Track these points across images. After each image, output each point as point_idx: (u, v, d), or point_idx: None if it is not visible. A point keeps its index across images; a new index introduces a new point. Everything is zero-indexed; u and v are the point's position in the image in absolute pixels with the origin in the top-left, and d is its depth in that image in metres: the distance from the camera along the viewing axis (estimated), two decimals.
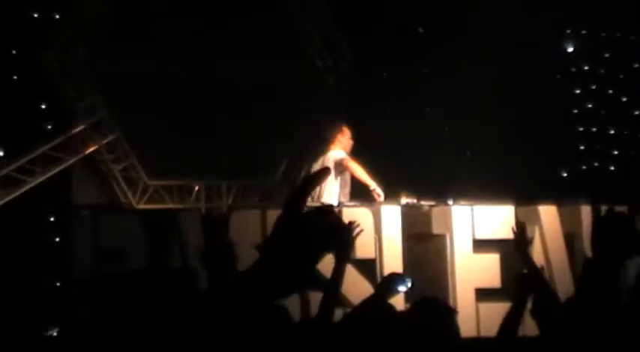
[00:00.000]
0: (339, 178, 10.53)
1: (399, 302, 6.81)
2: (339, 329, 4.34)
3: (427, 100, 13.57)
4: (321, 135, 11.21)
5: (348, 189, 10.63)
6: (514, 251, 9.09)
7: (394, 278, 5.22)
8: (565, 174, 13.46)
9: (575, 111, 13.78)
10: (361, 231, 5.56)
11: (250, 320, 2.48)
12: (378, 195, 10.08)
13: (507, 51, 12.92)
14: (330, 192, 10.50)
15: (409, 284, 5.17)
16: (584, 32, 13.76)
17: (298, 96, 13.59)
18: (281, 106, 13.36)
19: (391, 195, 10.05)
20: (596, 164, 13.56)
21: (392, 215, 9.21)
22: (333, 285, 5.00)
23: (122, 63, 12.79)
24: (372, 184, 10.15)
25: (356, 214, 9.30)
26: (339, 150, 10.56)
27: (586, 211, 9.03)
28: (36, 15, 12.63)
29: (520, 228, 6.51)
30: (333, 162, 10.40)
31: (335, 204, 10.19)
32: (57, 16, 12.77)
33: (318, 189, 10.51)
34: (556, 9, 12.76)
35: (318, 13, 13.73)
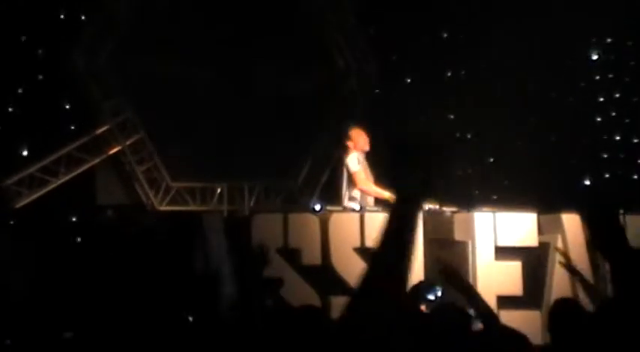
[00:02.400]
0: (358, 191, 10.48)
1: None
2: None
3: (450, 106, 13.55)
4: (340, 139, 11.19)
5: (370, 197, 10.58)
6: (537, 259, 9.17)
7: (424, 287, 5.19)
8: (588, 182, 13.42)
9: (599, 119, 13.73)
10: None
11: None
12: None
13: (531, 58, 12.91)
14: (351, 196, 10.46)
15: (439, 293, 5.14)
16: (609, 40, 13.71)
17: (320, 99, 13.62)
18: (303, 109, 13.39)
19: None
20: (619, 172, 13.51)
21: None
22: None
23: (147, 65, 12.86)
24: (386, 194, 10.08)
25: (378, 219, 9.31)
26: (354, 155, 10.49)
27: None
28: (63, 16, 12.73)
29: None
30: (347, 170, 10.37)
31: (357, 208, 10.17)
32: (83, 17, 12.87)
33: (342, 194, 10.50)
34: (581, 18, 12.71)
35: (341, 15, 13.73)
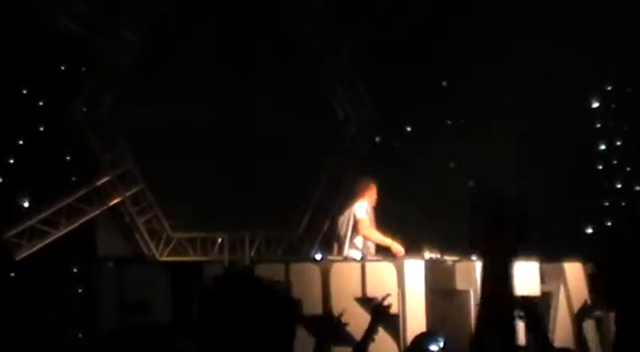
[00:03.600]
0: (362, 238, 10.51)
1: None
2: None
3: (451, 153, 13.60)
4: (351, 190, 11.26)
5: (373, 245, 10.61)
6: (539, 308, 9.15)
7: (425, 338, 5.19)
8: (591, 231, 13.43)
9: (600, 166, 13.79)
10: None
11: None
12: (399, 252, 10.06)
13: (532, 106, 12.98)
14: (353, 243, 10.49)
15: (441, 344, 5.14)
16: (609, 88, 13.81)
17: (320, 148, 13.68)
18: (303, 158, 13.45)
19: (415, 250, 10.05)
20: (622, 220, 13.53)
21: (415, 270, 9.22)
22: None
23: (147, 115, 12.95)
24: (389, 242, 10.12)
25: (379, 269, 9.33)
26: (362, 204, 10.58)
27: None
28: (63, 67, 12.84)
29: None
30: (354, 218, 10.42)
31: (358, 258, 10.20)
32: (84, 68, 12.97)
33: (343, 242, 10.53)
34: (582, 65, 12.81)
35: (341, 62, 13.82)
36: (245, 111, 13.51)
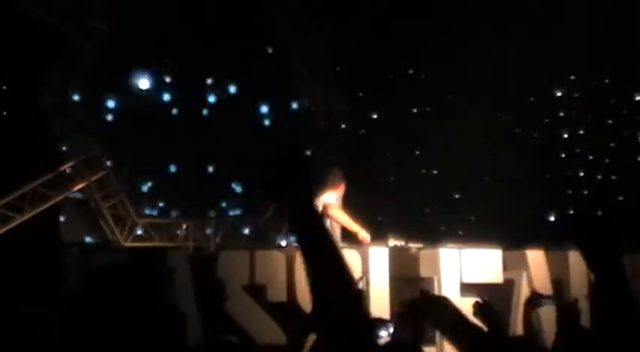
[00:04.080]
0: (328, 220, 10.56)
1: None
2: None
3: (417, 141, 13.66)
4: (320, 180, 11.26)
5: (338, 231, 10.65)
6: (502, 295, 9.24)
7: (376, 323, 5.23)
8: (553, 219, 13.56)
9: (564, 155, 13.91)
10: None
11: None
12: (364, 239, 10.08)
13: (498, 95, 13.07)
14: None
15: (391, 330, 5.19)
16: (572, 77, 13.92)
17: (287, 134, 13.67)
18: (271, 145, 13.45)
19: (380, 237, 10.09)
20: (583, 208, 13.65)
21: (380, 257, 9.24)
22: None
23: (113, 101, 12.92)
24: (356, 228, 10.14)
25: (344, 256, 9.38)
26: (331, 193, 10.59)
27: (574, 257, 9.09)
28: (29, 53, 12.74)
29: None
30: (322, 206, 10.45)
31: None
32: (50, 55, 12.89)
33: None
34: (547, 56, 12.90)
35: (309, 52, 13.83)
36: (215, 99, 13.50)
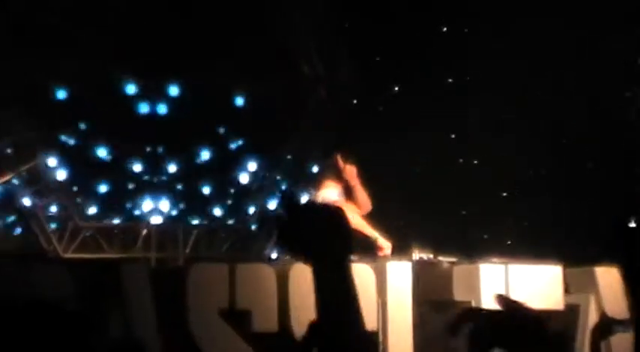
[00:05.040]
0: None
1: None
2: None
3: (452, 122, 13.68)
4: (320, 169, 11.31)
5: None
6: (562, 326, 9.23)
7: None
8: (633, 226, 13.55)
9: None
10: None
11: None
12: (383, 248, 10.08)
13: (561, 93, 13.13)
14: None
15: None
16: None
17: (283, 112, 13.77)
18: (261, 125, 13.55)
19: (401, 248, 10.08)
20: None
21: (401, 274, 9.21)
22: None
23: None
24: (372, 233, 10.15)
25: (354, 272, 9.37)
26: (332, 188, 10.57)
27: None
28: None
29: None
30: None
31: None
32: None
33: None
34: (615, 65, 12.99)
35: (310, 16, 13.88)
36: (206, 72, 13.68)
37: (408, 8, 13.42)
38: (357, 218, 10.20)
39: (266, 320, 8.94)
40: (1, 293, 9.71)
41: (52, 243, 13.23)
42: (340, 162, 10.56)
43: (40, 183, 13.30)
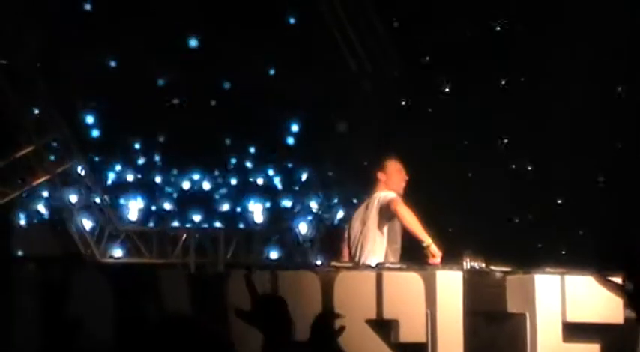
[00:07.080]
0: (386, 229, 10.44)
1: None
2: None
3: (506, 125, 13.63)
4: (365, 171, 11.33)
5: (398, 246, 10.57)
6: (621, 341, 9.04)
7: None
8: None
9: None
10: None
11: None
12: (434, 255, 10.02)
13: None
14: (374, 249, 10.43)
15: None
16: None
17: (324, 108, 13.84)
18: (306, 122, 13.59)
19: (451, 256, 10.00)
20: None
21: (451, 283, 9.12)
22: None
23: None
24: (427, 239, 10.10)
25: (401, 280, 9.21)
26: (387, 191, 10.58)
27: None
28: None
29: None
30: (379, 206, 10.38)
31: (373, 264, 10.14)
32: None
33: (357, 244, 10.49)
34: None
35: (357, 8, 13.92)
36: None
37: (461, 8, 13.43)
38: (414, 218, 10.20)
39: (308, 331, 8.83)
40: (37, 297, 9.67)
41: (88, 247, 13.22)
42: (395, 165, 10.59)
43: (77, 184, 13.32)
